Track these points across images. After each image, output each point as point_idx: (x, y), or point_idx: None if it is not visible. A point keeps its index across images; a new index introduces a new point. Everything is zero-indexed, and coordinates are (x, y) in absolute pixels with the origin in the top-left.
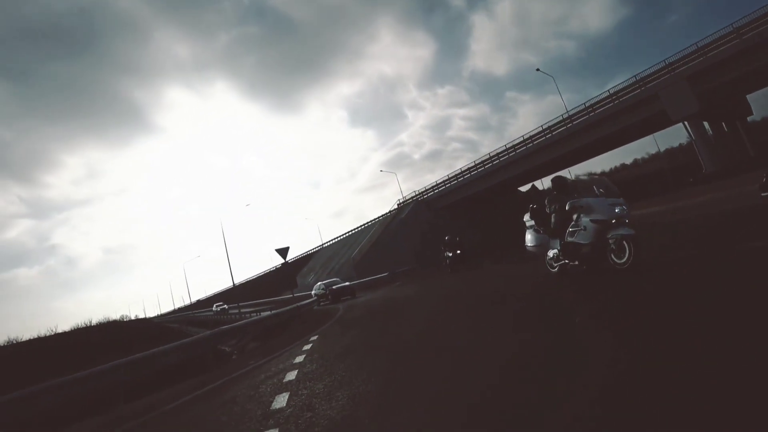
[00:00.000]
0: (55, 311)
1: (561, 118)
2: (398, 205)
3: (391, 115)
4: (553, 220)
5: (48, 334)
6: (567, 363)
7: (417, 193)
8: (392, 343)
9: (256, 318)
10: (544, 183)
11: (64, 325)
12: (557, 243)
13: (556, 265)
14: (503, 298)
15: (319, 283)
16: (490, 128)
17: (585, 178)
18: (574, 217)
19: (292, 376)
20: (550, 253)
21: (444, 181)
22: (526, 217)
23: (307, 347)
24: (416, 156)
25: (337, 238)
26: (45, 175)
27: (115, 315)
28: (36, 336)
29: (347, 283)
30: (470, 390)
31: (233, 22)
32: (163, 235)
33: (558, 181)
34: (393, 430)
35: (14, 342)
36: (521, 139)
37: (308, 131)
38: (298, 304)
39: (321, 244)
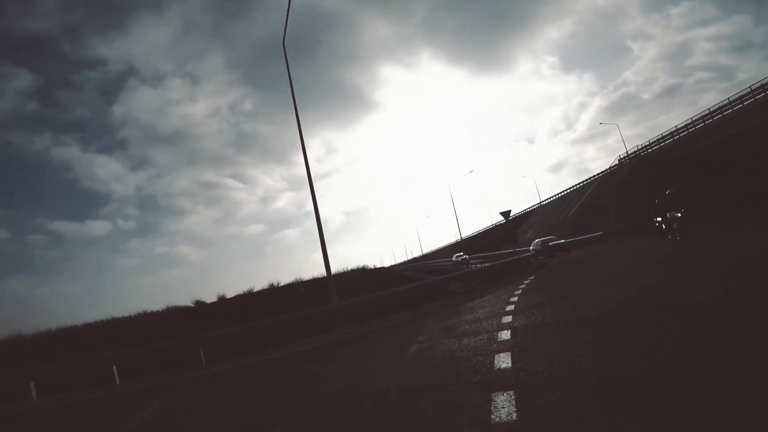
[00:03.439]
0: (313, 261)
1: None
2: (619, 160)
3: (612, 51)
4: None
5: (319, 276)
6: None
7: (640, 147)
8: (582, 281)
9: (485, 266)
10: None
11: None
12: None
13: None
14: None
15: (536, 240)
16: (753, 46)
17: None
18: None
19: (518, 292)
20: None
21: (671, 133)
22: None
23: (526, 282)
24: (646, 95)
25: (554, 195)
26: (296, 157)
27: (358, 264)
28: (312, 277)
29: (562, 241)
30: (609, 302)
31: None
32: (393, 197)
33: None
34: (571, 306)
35: (300, 280)
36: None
37: (518, 85)
38: (519, 256)
39: (539, 201)
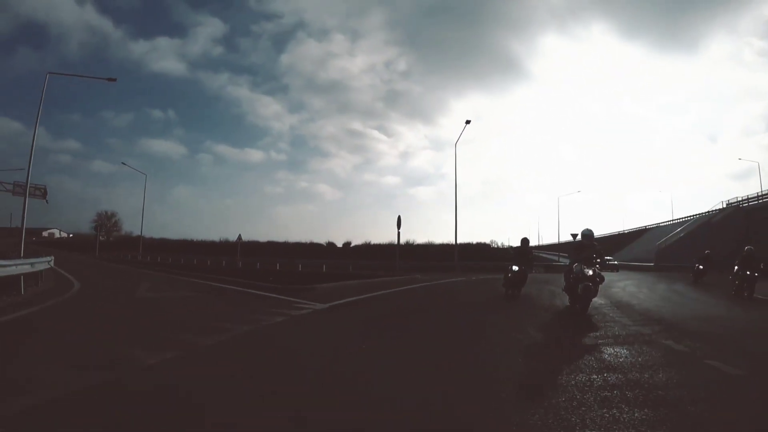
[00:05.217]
0: (441, 223)
1: None
2: (722, 204)
3: None
4: None
5: (447, 243)
6: None
7: (740, 199)
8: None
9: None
10: None
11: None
12: None
13: None
14: None
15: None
16: None
17: None
18: None
19: None
20: None
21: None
22: None
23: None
24: None
25: (688, 217)
26: (440, 118)
27: (482, 239)
28: (441, 242)
29: (615, 262)
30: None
31: None
32: (537, 174)
33: None
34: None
35: (432, 243)
36: None
37: (706, 70)
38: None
39: (671, 219)
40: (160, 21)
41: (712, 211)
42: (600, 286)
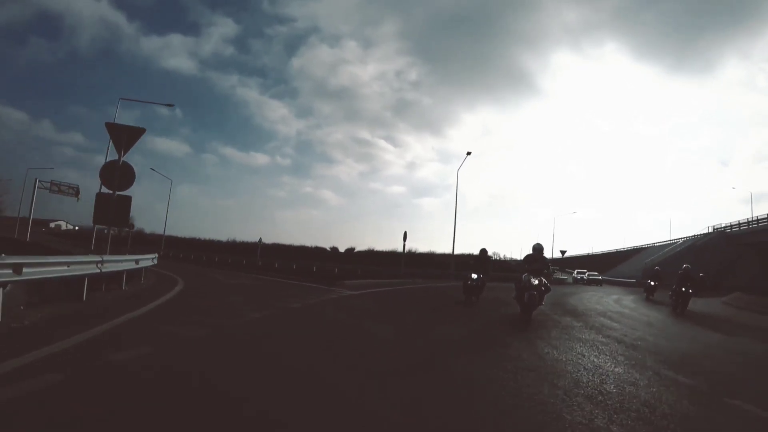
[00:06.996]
0: (445, 234)
1: None
2: (708, 229)
3: None
4: None
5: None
6: None
7: (724, 225)
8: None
9: None
10: None
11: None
12: None
13: None
14: None
15: (578, 270)
16: None
17: None
18: None
19: None
20: None
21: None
22: None
23: None
24: None
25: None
26: (450, 130)
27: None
28: (442, 252)
29: (600, 277)
30: None
31: None
32: (540, 189)
33: None
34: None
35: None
36: None
37: (719, 94)
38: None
39: (672, 239)
40: (174, 18)
41: (698, 234)
42: (549, 294)
